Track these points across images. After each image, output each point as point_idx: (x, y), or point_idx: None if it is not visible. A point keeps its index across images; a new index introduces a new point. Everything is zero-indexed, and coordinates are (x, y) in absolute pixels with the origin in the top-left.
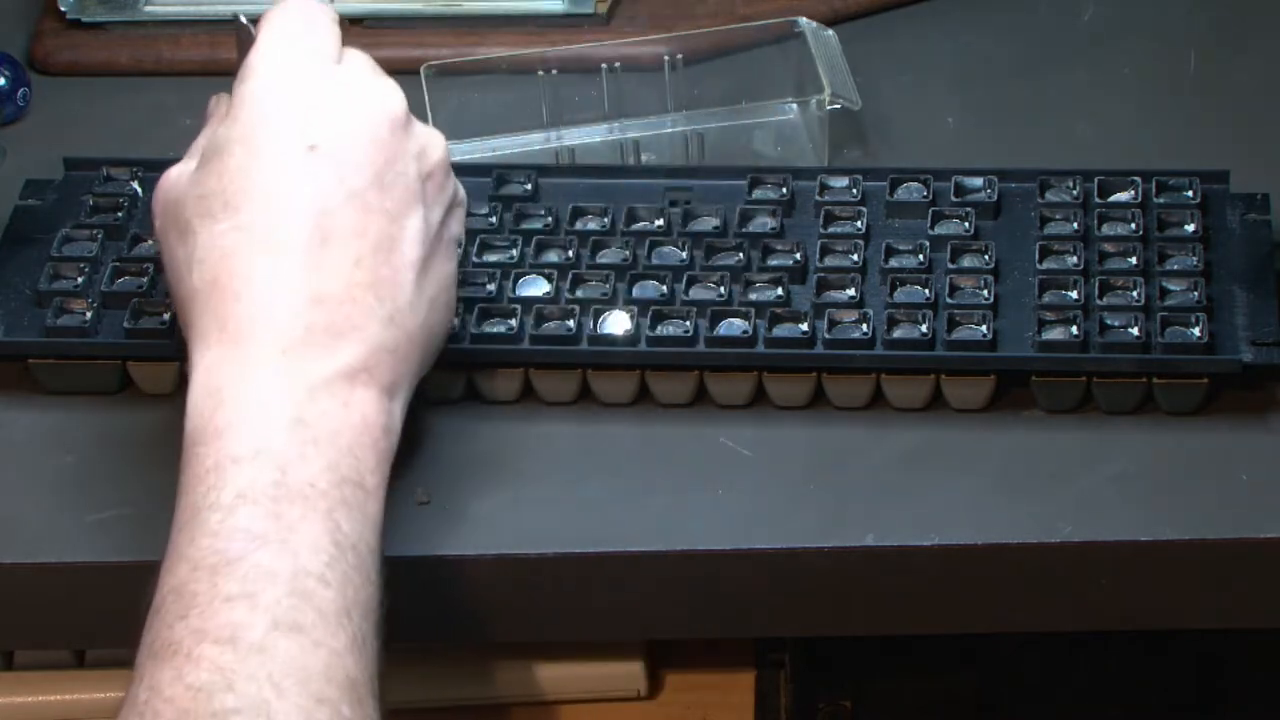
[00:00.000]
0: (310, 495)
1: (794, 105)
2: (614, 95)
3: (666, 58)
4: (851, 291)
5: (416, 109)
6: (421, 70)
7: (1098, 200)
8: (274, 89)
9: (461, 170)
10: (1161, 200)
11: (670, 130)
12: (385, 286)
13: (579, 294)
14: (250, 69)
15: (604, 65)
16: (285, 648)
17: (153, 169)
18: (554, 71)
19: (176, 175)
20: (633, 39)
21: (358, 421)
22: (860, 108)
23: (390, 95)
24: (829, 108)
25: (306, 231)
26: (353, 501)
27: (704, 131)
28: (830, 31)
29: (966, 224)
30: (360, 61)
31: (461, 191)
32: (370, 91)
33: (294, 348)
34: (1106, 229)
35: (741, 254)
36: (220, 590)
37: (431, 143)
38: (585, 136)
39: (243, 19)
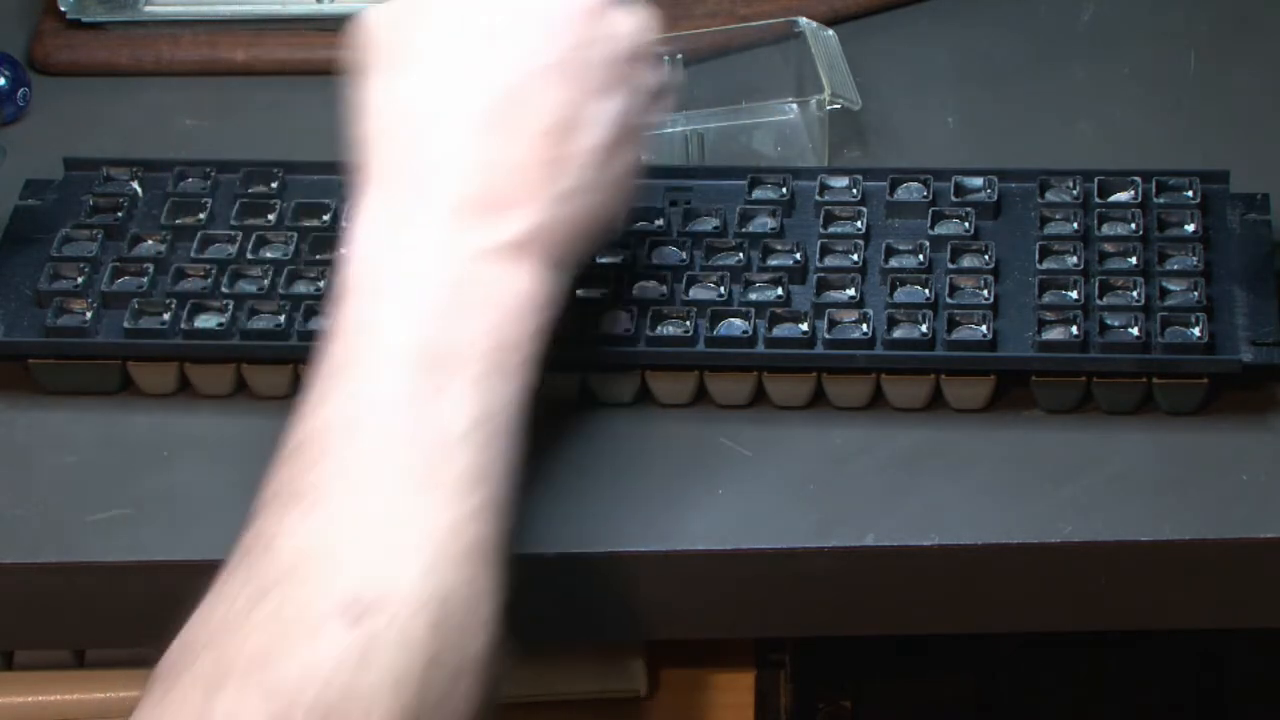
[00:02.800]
0: (461, 358)
1: (794, 105)
2: None
3: (666, 58)
4: (851, 291)
5: None
6: None
7: (1098, 200)
8: None
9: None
10: (1161, 200)
11: (670, 130)
12: (562, 164)
13: (579, 294)
14: None
15: None
16: (414, 505)
17: (153, 169)
18: None
19: (373, 17)
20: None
21: (517, 291)
22: (860, 107)
23: None
24: (829, 107)
25: (492, 98)
26: (503, 369)
27: (704, 131)
28: (830, 31)
29: (966, 224)
30: None
31: (662, 79)
32: None
33: (462, 210)
34: (1106, 229)
35: (741, 254)
36: (355, 445)
37: (629, 27)
38: None
39: None
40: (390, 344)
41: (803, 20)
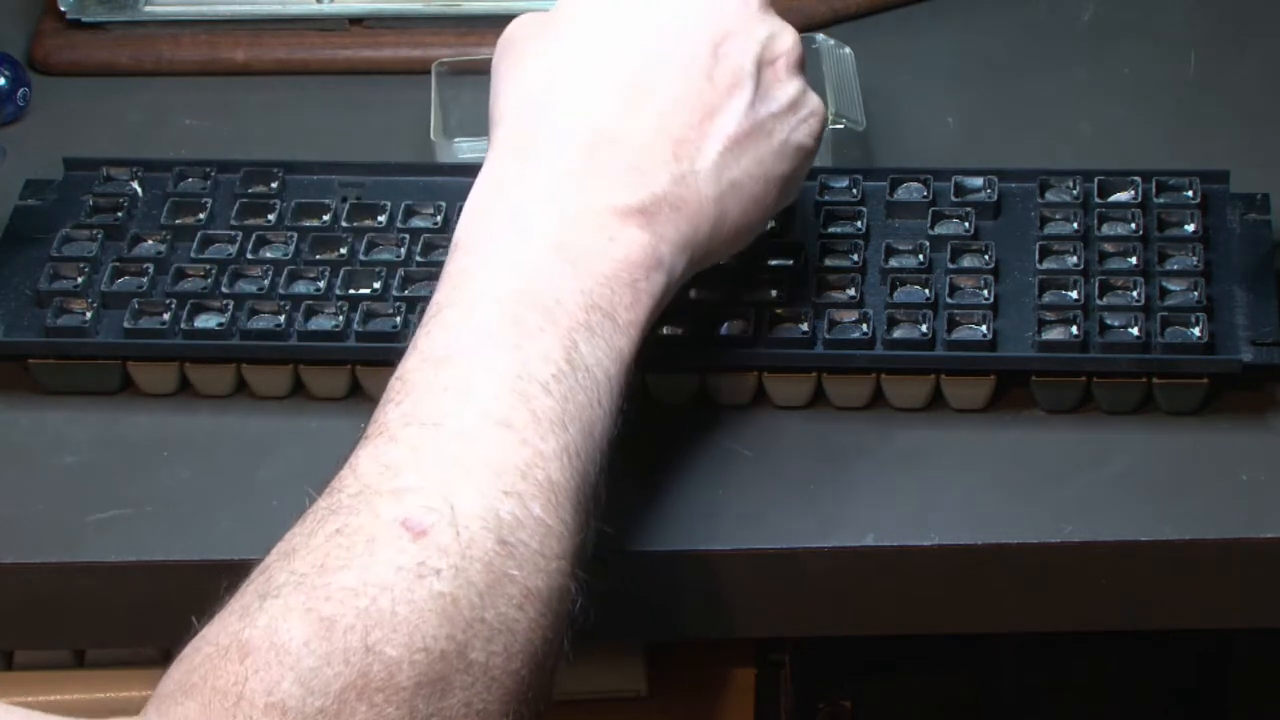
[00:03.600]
0: (553, 310)
1: None
2: None
3: None
4: (851, 291)
5: (423, 107)
6: (433, 68)
7: (1098, 200)
8: None
9: (463, 170)
10: (1161, 200)
11: None
12: (686, 147)
13: None
14: None
15: None
16: (488, 438)
17: (153, 169)
18: None
19: (534, 15)
20: None
21: (620, 256)
22: (864, 128)
23: None
24: (832, 127)
25: (627, 72)
26: (598, 329)
27: None
28: (847, 50)
29: (966, 224)
30: None
31: (816, 103)
32: None
33: (576, 174)
34: (1106, 229)
35: (741, 254)
36: (439, 381)
37: (781, 35)
38: None
39: None
40: (486, 289)
41: (820, 37)
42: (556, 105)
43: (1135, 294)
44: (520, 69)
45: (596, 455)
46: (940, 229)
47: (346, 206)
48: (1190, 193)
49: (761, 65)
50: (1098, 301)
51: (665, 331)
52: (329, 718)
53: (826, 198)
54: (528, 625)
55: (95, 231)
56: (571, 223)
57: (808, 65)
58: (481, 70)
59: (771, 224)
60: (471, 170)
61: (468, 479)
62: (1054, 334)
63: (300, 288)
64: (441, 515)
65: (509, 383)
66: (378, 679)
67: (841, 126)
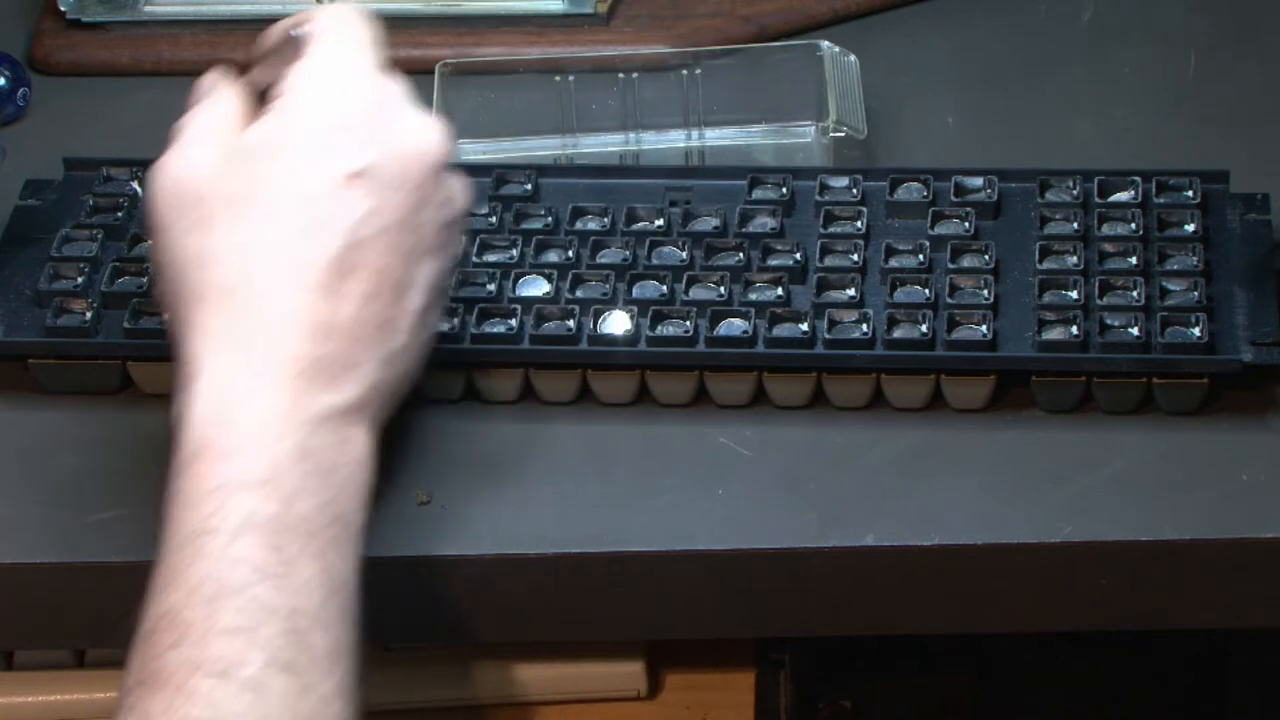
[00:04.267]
0: (307, 531)
1: (809, 129)
2: (629, 104)
3: (685, 72)
4: (851, 291)
5: (424, 106)
6: (437, 69)
7: (1098, 200)
8: (328, 103)
9: (463, 170)
10: (1161, 200)
11: (684, 145)
12: (390, 327)
13: (579, 294)
14: (306, 74)
15: (620, 74)
16: (278, 688)
17: None
18: (570, 77)
19: (190, 163)
20: (652, 49)
21: (351, 459)
22: (865, 136)
23: (435, 136)
24: (832, 134)
25: (332, 258)
26: (341, 540)
27: (716, 149)
28: (852, 57)
29: (966, 224)
30: (402, 89)
31: (461, 245)
32: (418, 129)
33: (305, 375)
34: (1106, 229)
35: (741, 254)
36: (217, 621)
37: (458, 192)
38: (598, 145)
39: (293, 32)
40: (247, 511)
41: (824, 44)
42: (268, 294)
43: (1135, 294)
44: (218, 244)
45: (356, 674)
46: (940, 229)
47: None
48: (1190, 193)
49: (445, 227)
50: (1098, 301)
51: (665, 332)
52: None
53: (826, 198)
54: None
55: (95, 231)
56: (310, 430)
57: (813, 71)
58: (484, 71)
59: (771, 224)
60: (472, 170)
61: None
62: (1054, 334)
63: None
64: None
65: (283, 620)
66: None
67: (843, 134)
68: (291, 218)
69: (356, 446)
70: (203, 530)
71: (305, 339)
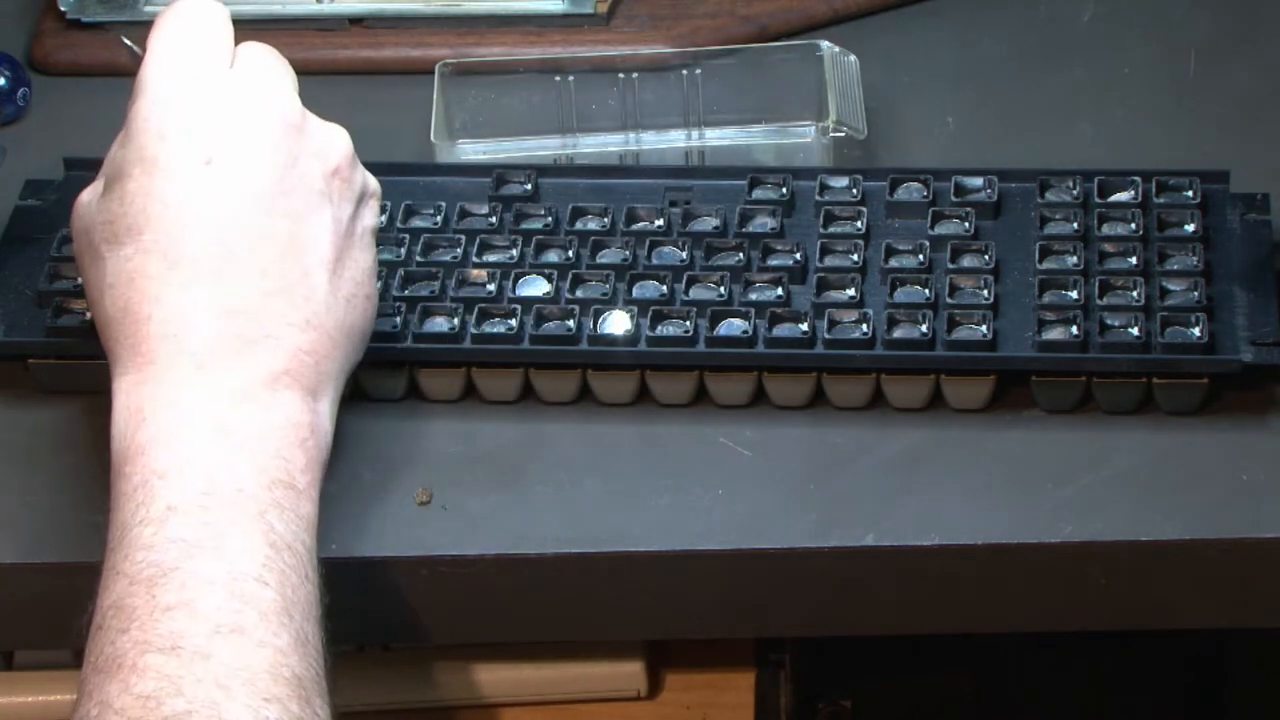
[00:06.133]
0: (240, 500)
1: (809, 129)
2: (629, 104)
3: (685, 72)
4: (851, 291)
5: (423, 107)
6: (437, 68)
7: (1098, 200)
8: (166, 104)
9: (462, 170)
10: (1161, 200)
11: (684, 145)
12: (297, 291)
13: (579, 294)
14: (141, 85)
15: (620, 74)
16: (229, 650)
17: None
18: (570, 77)
19: (86, 201)
20: (653, 49)
21: (282, 423)
22: (865, 136)
23: (283, 97)
24: (832, 134)
25: (210, 246)
26: (284, 503)
27: (716, 149)
28: (852, 58)
29: (966, 224)
30: (254, 60)
31: (372, 182)
32: (263, 96)
33: (210, 362)
34: (1106, 229)
35: (741, 254)
36: (159, 601)
37: (332, 139)
38: (598, 145)
39: (126, 41)
40: (174, 496)
41: (824, 44)
42: (161, 298)
43: (1135, 294)
44: (106, 271)
45: (319, 630)
46: (940, 229)
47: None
48: (1190, 193)
49: (326, 177)
50: (1098, 301)
51: (665, 332)
52: None
53: (826, 198)
54: None
55: None
56: (226, 408)
57: (814, 71)
58: (484, 71)
59: (771, 224)
60: (472, 170)
61: (230, 697)
62: (1054, 334)
63: None
64: None
65: (224, 587)
66: None
67: (843, 134)
68: (160, 223)
69: (286, 411)
70: (134, 523)
71: (204, 331)
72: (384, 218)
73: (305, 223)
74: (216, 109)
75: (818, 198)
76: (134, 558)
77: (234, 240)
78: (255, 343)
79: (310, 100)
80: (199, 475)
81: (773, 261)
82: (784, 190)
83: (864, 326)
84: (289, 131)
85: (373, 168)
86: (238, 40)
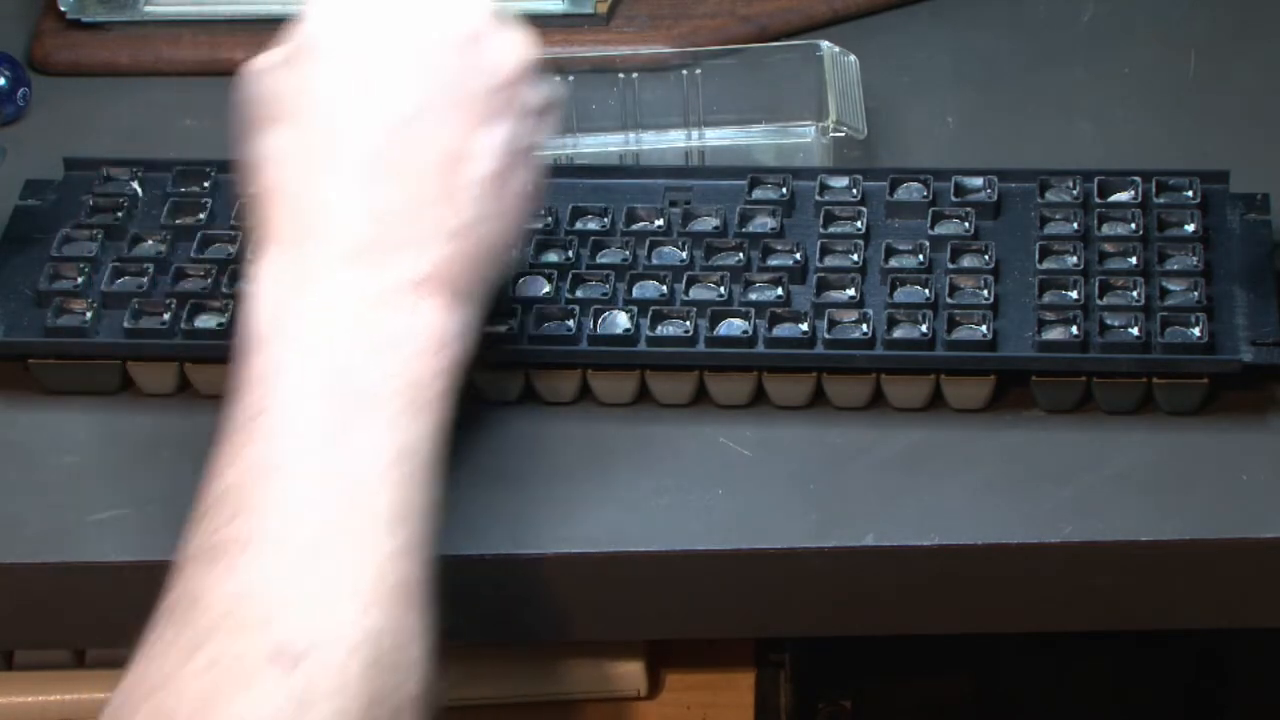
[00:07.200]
0: (369, 399)
1: (809, 129)
2: (629, 104)
3: (685, 72)
4: (851, 291)
5: None
6: None
7: (1098, 200)
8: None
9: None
10: (1161, 200)
11: (684, 145)
12: (453, 200)
13: (579, 294)
14: None
15: (620, 74)
16: (335, 550)
17: (153, 169)
18: (570, 77)
19: (259, 68)
20: (653, 49)
21: (421, 329)
22: (865, 136)
23: (466, 7)
24: (832, 134)
25: (369, 146)
26: (415, 407)
27: (716, 149)
28: (852, 57)
29: (966, 224)
30: None
31: (549, 93)
32: (445, 4)
33: (356, 256)
34: (1106, 229)
35: (741, 254)
36: (271, 494)
37: (507, 55)
38: (598, 145)
39: None
40: (300, 389)
41: (824, 44)
42: (315, 188)
43: (1135, 294)
44: (274, 141)
45: (433, 536)
46: (940, 229)
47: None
48: (1190, 193)
49: (498, 91)
50: (1098, 301)
51: (664, 332)
52: None
53: (826, 198)
54: None
55: (95, 231)
56: (366, 306)
57: (813, 71)
58: None
59: (771, 224)
60: None
61: (328, 598)
62: (1054, 334)
63: None
64: (312, 642)
65: (343, 487)
66: None
67: (843, 134)
68: (326, 112)
69: (426, 317)
70: (257, 411)
71: (356, 223)
72: None
73: (471, 135)
74: (396, 11)
75: (818, 198)
76: (253, 446)
77: (393, 143)
78: (402, 246)
79: None
80: (327, 370)
81: (773, 261)
82: (784, 190)
83: (864, 326)
84: (465, 42)
85: None
86: (236, 42)
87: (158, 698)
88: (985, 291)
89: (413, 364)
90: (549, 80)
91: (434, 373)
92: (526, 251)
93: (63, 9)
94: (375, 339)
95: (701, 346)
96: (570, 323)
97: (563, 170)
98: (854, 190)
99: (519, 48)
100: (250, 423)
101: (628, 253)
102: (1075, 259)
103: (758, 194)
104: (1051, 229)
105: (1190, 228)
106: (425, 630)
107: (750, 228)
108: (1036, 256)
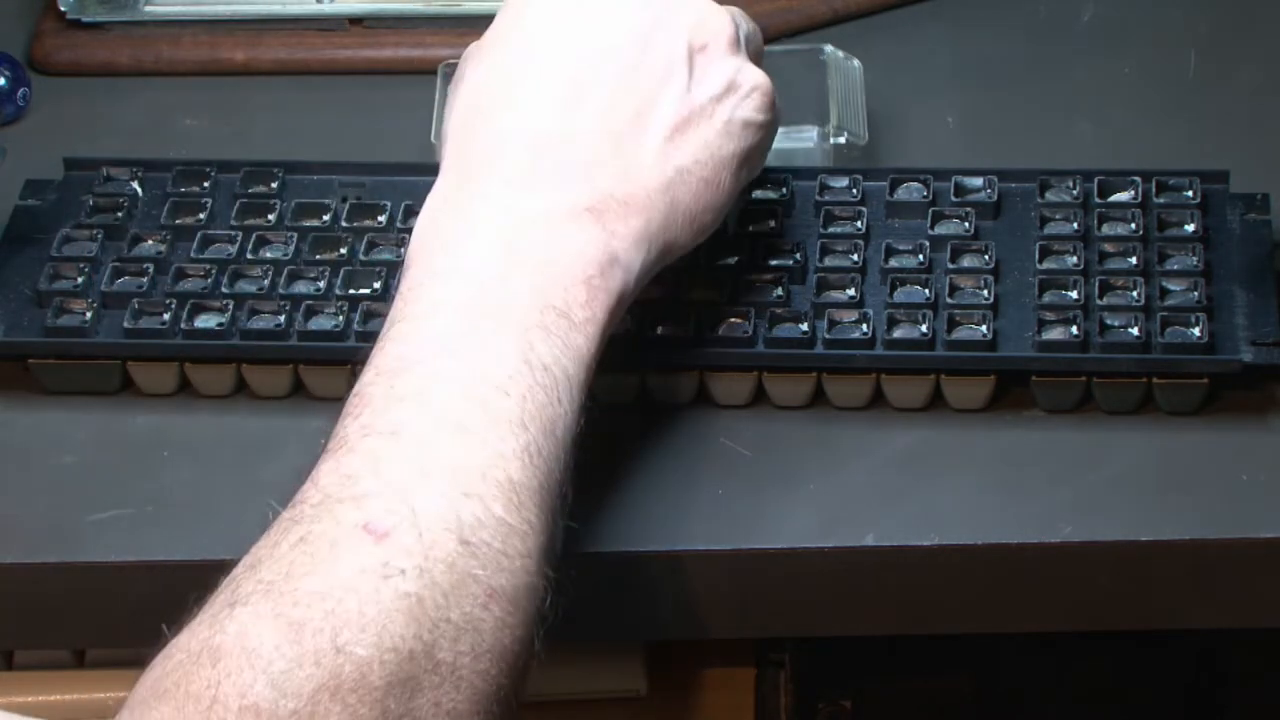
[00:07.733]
0: (505, 313)
1: (810, 134)
2: None
3: None
4: (851, 291)
5: (423, 107)
6: (440, 69)
7: (1098, 200)
8: None
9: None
10: (1161, 200)
11: None
12: (625, 141)
13: None
14: None
15: None
16: (446, 442)
17: (153, 169)
18: None
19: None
20: None
21: (573, 255)
22: (866, 142)
23: None
24: (834, 140)
25: (560, 76)
26: (554, 328)
27: None
28: (855, 62)
29: (966, 224)
30: None
31: (758, 78)
32: None
33: (517, 180)
34: (1106, 229)
35: (741, 254)
36: (395, 392)
37: (710, 21)
38: None
39: None
40: (438, 299)
41: (828, 48)
42: (494, 117)
43: (1135, 294)
44: (460, 91)
45: (560, 453)
46: (940, 229)
47: (346, 206)
48: (1190, 193)
49: (692, 51)
50: (1098, 301)
51: (665, 332)
52: (303, 719)
53: (826, 198)
54: (494, 625)
55: (95, 231)
56: (520, 226)
57: (816, 75)
58: None
59: (771, 224)
60: None
61: (427, 482)
62: (1054, 334)
63: (300, 288)
64: (402, 518)
65: (464, 387)
66: (350, 679)
67: (843, 140)
68: (518, 45)
69: (579, 243)
70: (398, 319)
71: (528, 146)
72: (384, 218)
73: (657, 84)
74: None
75: (818, 198)
76: (387, 350)
77: (581, 77)
78: (566, 173)
79: (310, 100)
80: (471, 283)
81: (773, 261)
82: (784, 190)
83: (864, 326)
84: (676, 3)
85: (372, 168)
86: (236, 42)
87: (261, 569)
88: (985, 291)
89: (556, 286)
90: (757, 66)
91: (580, 299)
92: None
93: (63, 9)
94: (520, 258)
95: (702, 346)
96: None
97: None
98: (854, 190)
99: (723, 20)
100: (386, 335)
101: None
102: (1075, 259)
103: (758, 194)
104: (1051, 229)
105: (1190, 228)
106: (528, 533)
107: (750, 228)
108: (1036, 256)
